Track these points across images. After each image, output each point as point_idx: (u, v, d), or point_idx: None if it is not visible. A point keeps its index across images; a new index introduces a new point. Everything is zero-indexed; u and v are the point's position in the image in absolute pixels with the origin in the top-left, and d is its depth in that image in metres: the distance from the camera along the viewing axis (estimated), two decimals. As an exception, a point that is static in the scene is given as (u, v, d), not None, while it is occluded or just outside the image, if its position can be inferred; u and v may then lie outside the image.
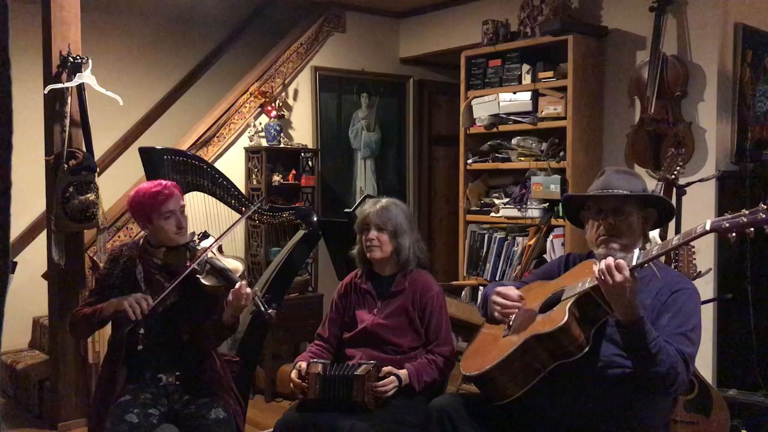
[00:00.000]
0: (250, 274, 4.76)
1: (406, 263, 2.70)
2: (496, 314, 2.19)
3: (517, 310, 2.14)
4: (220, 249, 2.64)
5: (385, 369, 2.52)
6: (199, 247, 2.55)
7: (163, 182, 2.56)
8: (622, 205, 2.11)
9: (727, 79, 3.85)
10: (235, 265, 2.55)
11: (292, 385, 2.57)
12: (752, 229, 1.69)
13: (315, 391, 2.47)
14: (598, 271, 1.85)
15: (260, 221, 3.69)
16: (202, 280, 2.47)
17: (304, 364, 2.56)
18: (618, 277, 1.82)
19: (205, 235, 2.64)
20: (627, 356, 1.93)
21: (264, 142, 4.83)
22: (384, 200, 2.74)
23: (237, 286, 2.42)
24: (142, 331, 2.48)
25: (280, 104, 4.92)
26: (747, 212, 1.70)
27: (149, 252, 2.56)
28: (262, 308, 2.47)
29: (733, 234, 1.72)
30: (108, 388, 2.47)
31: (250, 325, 3.26)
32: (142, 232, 2.69)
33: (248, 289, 2.42)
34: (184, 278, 2.44)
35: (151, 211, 2.48)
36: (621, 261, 1.84)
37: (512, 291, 2.18)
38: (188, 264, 2.48)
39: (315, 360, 2.58)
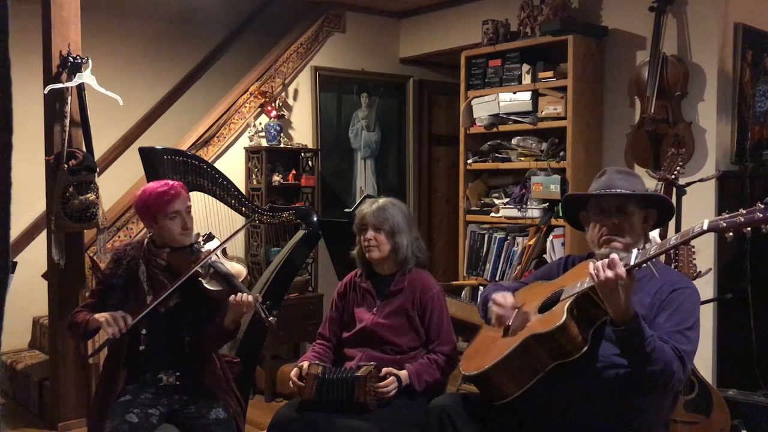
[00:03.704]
0: (250, 274, 4.76)
1: (405, 262, 2.70)
2: (491, 322, 2.21)
3: (508, 319, 2.14)
4: (224, 252, 2.64)
5: (385, 370, 2.52)
6: (203, 249, 2.55)
7: (170, 182, 2.55)
8: (624, 205, 2.11)
9: (727, 79, 3.85)
10: (238, 270, 2.55)
11: (291, 383, 2.57)
12: (749, 228, 1.69)
13: (311, 391, 2.48)
14: (593, 268, 1.86)
15: (260, 221, 3.69)
16: (205, 285, 2.47)
17: (305, 364, 2.56)
18: (609, 273, 1.82)
19: (209, 237, 2.63)
20: (622, 355, 1.93)
21: (264, 142, 4.84)
22: (381, 200, 2.75)
23: (239, 295, 2.42)
24: (144, 331, 2.48)
25: (280, 104, 4.92)
26: (744, 212, 1.70)
27: (153, 252, 2.55)
28: (263, 315, 2.47)
29: (730, 233, 1.72)
30: (109, 388, 2.47)
31: (249, 326, 3.26)
32: (144, 232, 2.68)
33: (250, 297, 2.42)
34: (185, 281, 2.44)
35: (157, 211, 2.48)
36: (615, 257, 1.84)
37: (508, 299, 2.18)
38: (191, 266, 2.48)
39: (317, 362, 2.58)
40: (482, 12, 4.81)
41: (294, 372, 2.57)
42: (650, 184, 3.36)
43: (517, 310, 2.16)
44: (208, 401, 2.47)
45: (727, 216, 1.73)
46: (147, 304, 2.46)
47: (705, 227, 1.75)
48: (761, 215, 1.67)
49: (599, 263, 1.85)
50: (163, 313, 2.50)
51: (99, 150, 4.49)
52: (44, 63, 3.82)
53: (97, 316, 2.39)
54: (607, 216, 2.12)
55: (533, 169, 4.17)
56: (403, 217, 2.72)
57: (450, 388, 2.95)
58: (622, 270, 1.81)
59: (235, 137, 4.84)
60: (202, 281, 2.47)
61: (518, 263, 4.18)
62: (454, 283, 4.44)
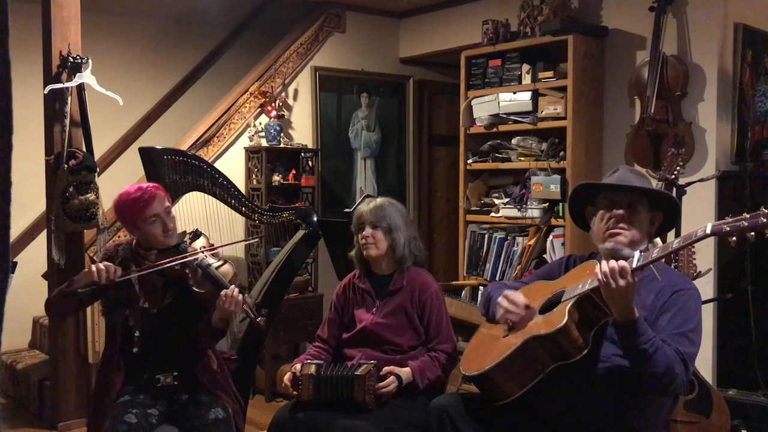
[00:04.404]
0: (250, 274, 4.76)
1: (402, 260, 2.70)
2: (498, 317, 2.18)
3: (516, 317, 2.11)
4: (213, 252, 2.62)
5: (386, 369, 2.52)
6: (190, 249, 2.53)
7: (143, 186, 2.52)
8: (635, 201, 2.10)
9: (727, 79, 3.85)
10: (225, 270, 2.53)
11: (285, 385, 2.57)
12: (753, 233, 1.69)
13: (308, 392, 2.48)
14: (602, 273, 1.84)
15: (260, 221, 3.69)
16: (192, 286, 2.46)
17: (298, 366, 2.56)
18: (621, 281, 1.81)
19: (196, 235, 2.61)
20: (624, 357, 1.93)
21: (264, 142, 4.83)
22: (379, 199, 2.77)
23: (226, 292, 2.40)
24: (137, 334, 2.47)
25: (280, 104, 4.92)
26: (748, 216, 1.70)
27: (141, 254, 2.54)
28: (252, 315, 2.46)
29: (734, 238, 1.71)
30: (104, 391, 2.47)
31: (249, 326, 3.25)
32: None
33: (238, 296, 2.41)
34: (166, 268, 2.42)
35: (135, 217, 2.46)
36: (625, 265, 1.83)
37: (520, 297, 2.15)
38: (178, 266, 2.45)
39: (309, 361, 2.58)
40: (482, 12, 4.81)
41: (288, 376, 2.57)
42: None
43: (527, 310, 2.12)
44: (208, 401, 2.47)
45: (730, 220, 1.72)
46: (137, 297, 2.46)
47: (708, 231, 1.75)
48: (765, 220, 1.67)
49: (608, 269, 1.84)
50: (155, 314, 2.49)
51: (99, 150, 4.49)
52: (44, 63, 3.82)
53: (86, 270, 2.38)
54: (618, 208, 2.11)
55: (533, 169, 4.17)
56: (400, 215, 2.73)
57: (450, 388, 2.95)
58: (631, 278, 1.81)
59: (235, 137, 4.84)
60: (189, 283, 2.46)
61: (518, 263, 4.18)
62: (454, 283, 4.44)
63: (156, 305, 2.49)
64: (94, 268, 2.32)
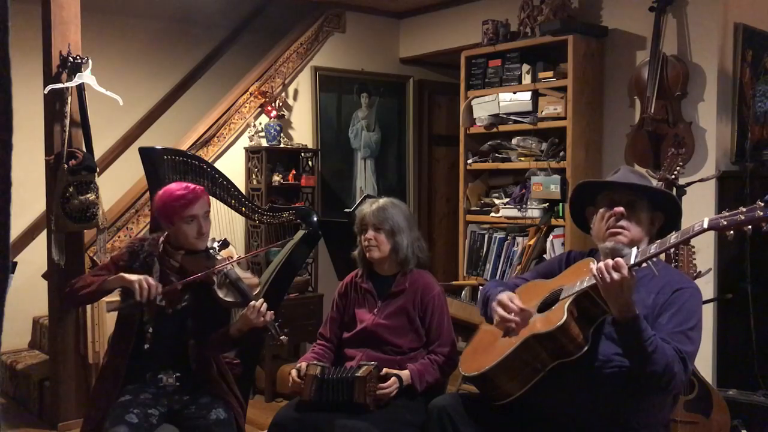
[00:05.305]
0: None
1: (405, 262, 2.70)
2: (494, 324, 2.18)
3: (513, 324, 2.09)
4: (238, 263, 2.64)
5: (386, 370, 2.52)
6: (218, 256, 2.55)
7: (191, 186, 2.56)
8: (635, 201, 2.10)
9: (727, 79, 3.85)
10: (253, 282, 2.56)
11: (290, 383, 2.58)
12: (750, 227, 1.69)
13: (310, 392, 2.48)
14: (597, 269, 1.85)
15: (260, 221, 3.69)
16: (218, 293, 2.48)
17: (304, 365, 2.56)
18: (616, 275, 1.81)
19: (224, 244, 2.63)
20: (624, 355, 1.93)
21: (264, 142, 4.84)
22: (381, 200, 2.75)
23: (255, 305, 2.44)
24: (150, 330, 2.48)
25: (280, 104, 4.92)
26: (744, 210, 1.70)
27: (168, 253, 2.56)
28: (274, 332, 2.50)
29: (731, 232, 1.71)
30: (108, 385, 2.47)
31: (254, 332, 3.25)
32: (149, 230, 2.68)
33: (267, 313, 2.45)
34: (197, 280, 2.45)
35: (174, 213, 2.49)
36: (620, 260, 1.84)
37: (515, 302, 2.12)
38: (213, 266, 2.48)
39: (316, 362, 2.58)
40: (482, 12, 4.81)
41: (293, 373, 2.58)
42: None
43: (522, 313, 2.10)
44: (209, 401, 2.47)
45: (727, 214, 1.73)
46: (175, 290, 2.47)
47: (705, 226, 1.75)
48: (761, 213, 1.67)
49: (602, 265, 1.84)
50: (170, 314, 2.50)
51: (99, 150, 4.49)
52: (44, 63, 3.82)
53: (125, 275, 2.39)
54: (617, 207, 2.11)
55: (533, 169, 4.17)
56: (403, 217, 2.72)
57: (450, 388, 2.95)
58: (627, 272, 1.81)
59: (235, 137, 4.84)
60: (215, 289, 2.47)
61: (518, 263, 4.18)
62: (454, 283, 4.44)
63: (172, 306, 2.50)
64: (137, 285, 2.33)
